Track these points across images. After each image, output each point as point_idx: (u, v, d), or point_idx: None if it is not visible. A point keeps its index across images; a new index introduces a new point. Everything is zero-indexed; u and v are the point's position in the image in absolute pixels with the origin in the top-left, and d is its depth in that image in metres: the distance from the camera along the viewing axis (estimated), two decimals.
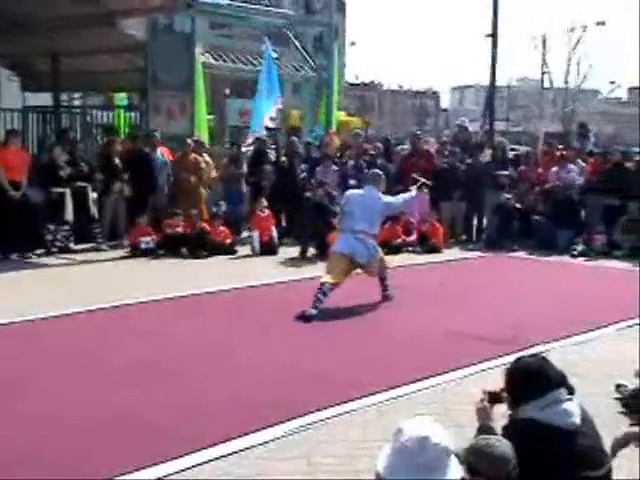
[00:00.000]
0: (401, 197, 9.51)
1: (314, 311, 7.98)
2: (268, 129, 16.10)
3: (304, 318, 7.88)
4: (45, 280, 10.10)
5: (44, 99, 18.89)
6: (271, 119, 16.13)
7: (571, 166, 13.98)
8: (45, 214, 12.21)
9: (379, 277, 9.03)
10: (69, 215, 12.47)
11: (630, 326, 7.83)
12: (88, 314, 8.01)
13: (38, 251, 11.90)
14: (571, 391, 3.55)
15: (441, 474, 2.84)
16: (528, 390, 3.48)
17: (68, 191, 12.47)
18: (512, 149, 16.77)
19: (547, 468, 3.28)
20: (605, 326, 7.80)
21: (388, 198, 9.14)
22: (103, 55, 16.63)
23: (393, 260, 10.41)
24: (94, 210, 13.08)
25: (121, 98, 20.30)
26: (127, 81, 17.48)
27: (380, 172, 9.36)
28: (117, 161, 13.06)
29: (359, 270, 8.76)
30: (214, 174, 13.88)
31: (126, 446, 4.59)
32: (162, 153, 13.71)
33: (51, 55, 17.10)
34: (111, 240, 12.91)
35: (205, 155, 13.79)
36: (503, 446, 3.20)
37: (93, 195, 13.08)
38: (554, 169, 14.12)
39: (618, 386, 5.53)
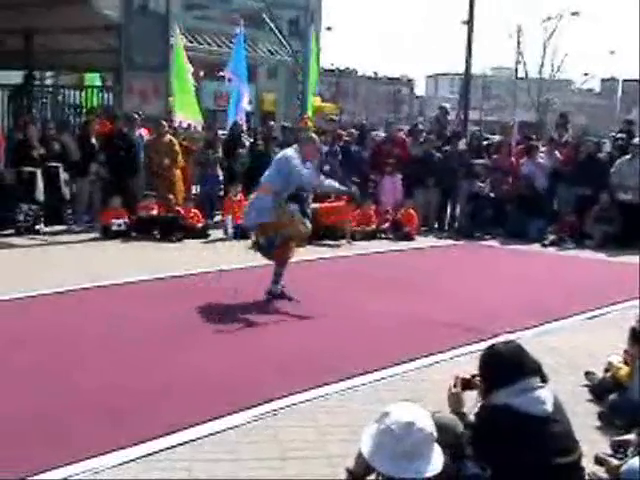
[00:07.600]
0: (328, 181, 8.81)
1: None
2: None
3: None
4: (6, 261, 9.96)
5: (15, 77, 18.62)
6: (250, 103, 16.09)
7: (540, 158, 14.01)
8: (17, 194, 12.06)
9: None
10: (40, 195, 12.33)
11: (596, 316, 7.91)
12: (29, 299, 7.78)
13: (7, 231, 11.75)
14: (544, 379, 3.58)
15: (425, 461, 2.84)
16: (501, 377, 3.50)
17: (39, 171, 12.32)
18: (486, 138, 16.80)
19: (518, 454, 3.31)
20: (571, 316, 7.84)
21: (305, 171, 8.06)
22: (77, 34, 16.40)
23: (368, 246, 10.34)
24: (65, 191, 12.94)
25: (92, 77, 20.04)
26: (101, 61, 17.27)
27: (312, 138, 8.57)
28: (94, 141, 12.93)
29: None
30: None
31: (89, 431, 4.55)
32: (141, 135, 13.60)
33: (24, 33, 16.85)
34: (87, 222, 12.79)
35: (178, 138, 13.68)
36: (446, 418, 3.49)
37: (65, 175, 12.94)
38: (523, 160, 14.21)
39: (587, 373, 5.58)
